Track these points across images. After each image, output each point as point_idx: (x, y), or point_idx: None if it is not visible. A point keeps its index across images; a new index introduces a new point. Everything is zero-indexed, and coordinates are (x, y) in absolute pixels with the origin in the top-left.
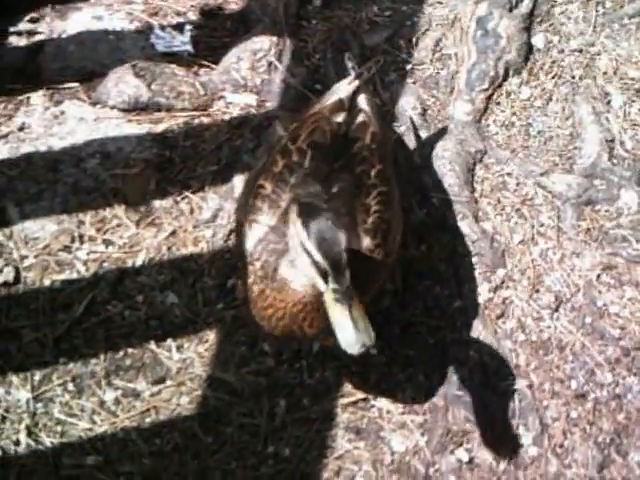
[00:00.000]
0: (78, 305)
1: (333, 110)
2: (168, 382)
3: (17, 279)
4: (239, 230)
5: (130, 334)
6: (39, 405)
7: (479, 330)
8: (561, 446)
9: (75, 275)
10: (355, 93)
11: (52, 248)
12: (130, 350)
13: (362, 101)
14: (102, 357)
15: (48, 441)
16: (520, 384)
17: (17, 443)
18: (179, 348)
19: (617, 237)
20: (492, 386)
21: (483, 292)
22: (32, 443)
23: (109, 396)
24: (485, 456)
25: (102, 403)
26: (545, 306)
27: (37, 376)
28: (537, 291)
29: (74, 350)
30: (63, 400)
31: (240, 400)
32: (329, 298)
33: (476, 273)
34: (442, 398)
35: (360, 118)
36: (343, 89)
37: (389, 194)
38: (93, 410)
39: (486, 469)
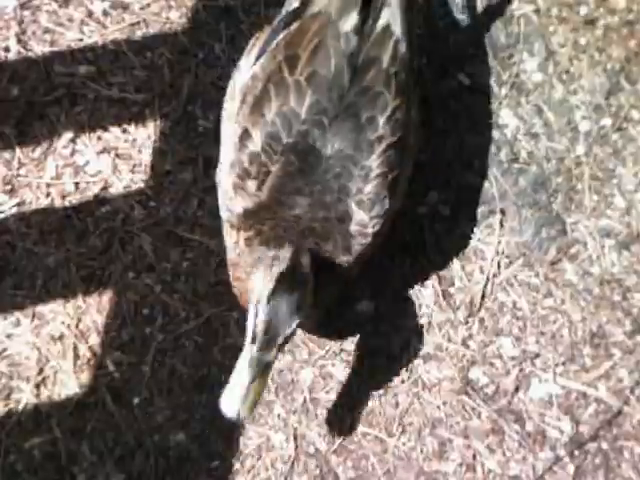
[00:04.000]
0: None
1: (343, 9)
2: None
3: None
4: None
5: None
6: (26, 13)
7: None
8: (567, 72)
9: None
10: None
11: None
12: None
13: None
14: None
15: (38, 49)
16: (526, 9)
17: (7, 50)
18: None
19: None
20: (496, 11)
21: None
22: (22, 50)
23: (97, 7)
24: (487, 81)
25: (91, 14)
26: None
27: None
28: None
29: None
30: (50, 9)
31: None
32: (244, 356)
33: None
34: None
35: (382, 20)
36: None
37: (398, 143)
38: (82, 20)
39: (487, 93)
